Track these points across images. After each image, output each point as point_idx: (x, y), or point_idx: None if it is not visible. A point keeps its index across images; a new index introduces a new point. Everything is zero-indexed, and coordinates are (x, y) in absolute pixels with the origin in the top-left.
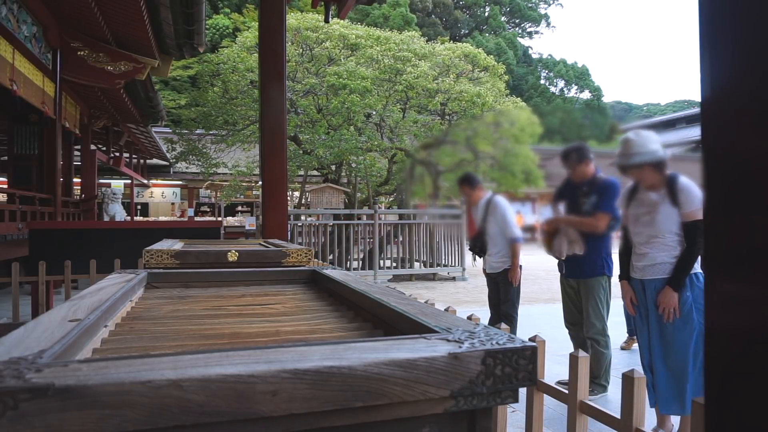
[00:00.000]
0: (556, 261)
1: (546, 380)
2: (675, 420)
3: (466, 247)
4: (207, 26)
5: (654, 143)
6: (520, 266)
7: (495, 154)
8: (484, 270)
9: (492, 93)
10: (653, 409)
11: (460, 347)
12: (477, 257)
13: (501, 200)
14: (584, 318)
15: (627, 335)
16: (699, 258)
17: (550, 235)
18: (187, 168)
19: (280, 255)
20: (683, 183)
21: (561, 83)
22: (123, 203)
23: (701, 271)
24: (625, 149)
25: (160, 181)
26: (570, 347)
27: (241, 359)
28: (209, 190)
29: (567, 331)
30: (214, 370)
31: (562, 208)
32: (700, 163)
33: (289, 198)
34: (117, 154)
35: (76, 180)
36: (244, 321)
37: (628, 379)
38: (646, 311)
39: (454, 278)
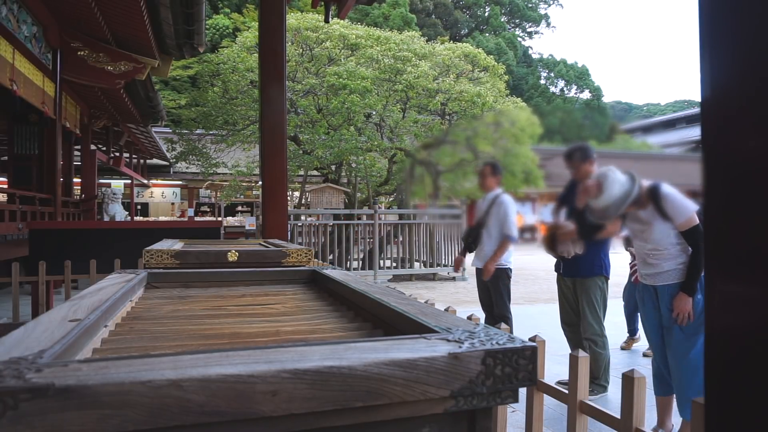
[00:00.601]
0: (554, 261)
1: (546, 380)
2: (675, 420)
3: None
4: (207, 26)
5: (618, 185)
6: (510, 269)
7: (495, 154)
8: (475, 266)
9: (492, 93)
10: (653, 409)
11: (460, 347)
12: (469, 251)
13: (508, 198)
14: (581, 318)
15: (627, 335)
16: None
17: (550, 235)
18: (187, 168)
19: (280, 255)
20: (665, 194)
21: (561, 83)
22: (123, 203)
23: None
24: (597, 208)
25: (160, 181)
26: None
27: (241, 359)
28: (209, 190)
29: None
30: (214, 370)
31: (565, 212)
32: (700, 163)
33: (289, 198)
34: (117, 154)
35: (76, 180)
36: (244, 321)
37: (628, 379)
38: (659, 316)
39: (454, 278)
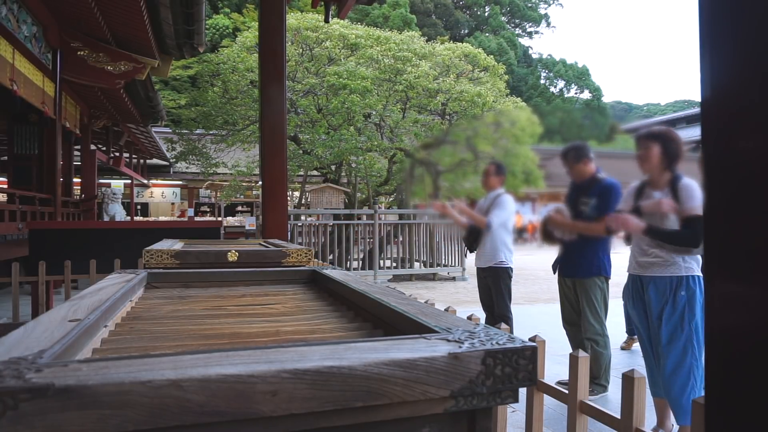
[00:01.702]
0: (552, 262)
1: (546, 380)
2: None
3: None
4: (207, 26)
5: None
6: (511, 268)
7: (496, 154)
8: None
9: (492, 93)
10: (653, 409)
11: (460, 347)
12: (470, 250)
13: (509, 197)
14: (582, 318)
15: (627, 335)
16: (700, 260)
17: (545, 226)
18: (187, 168)
19: (280, 255)
20: (685, 181)
21: (561, 83)
22: (123, 203)
23: (701, 274)
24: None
25: (160, 181)
26: (570, 347)
27: (241, 359)
28: (209, 190)
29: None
30: (214, 370)
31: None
32: (700, 163)
33: (289, 198)
34: (117, 154)
35: (76, 180)
36: (244, 321)
37: (628, 379)
38: (644, 309)
39: (454, 278)
